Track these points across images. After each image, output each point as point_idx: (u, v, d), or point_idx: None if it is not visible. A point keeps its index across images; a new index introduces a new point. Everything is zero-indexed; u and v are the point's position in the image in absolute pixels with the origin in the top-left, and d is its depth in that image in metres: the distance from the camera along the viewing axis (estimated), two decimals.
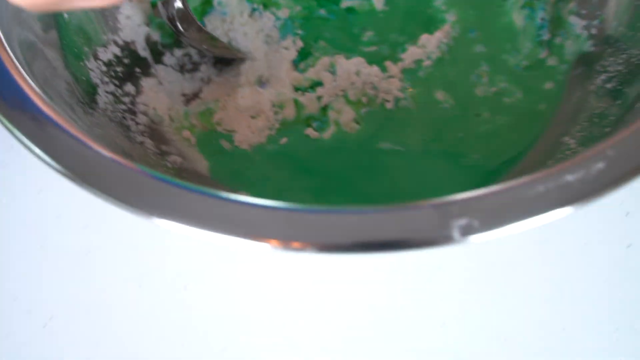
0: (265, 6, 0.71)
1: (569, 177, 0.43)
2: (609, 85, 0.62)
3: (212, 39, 0.68)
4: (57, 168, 0.45)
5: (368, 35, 0.71)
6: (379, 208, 0.43)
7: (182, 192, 0.44)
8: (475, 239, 0.42)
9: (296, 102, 0.66)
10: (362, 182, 0.62)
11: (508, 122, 0.64)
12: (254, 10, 0.71)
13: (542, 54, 0.67)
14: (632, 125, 0.45)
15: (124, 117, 0.61)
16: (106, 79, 0.62)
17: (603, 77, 0.63)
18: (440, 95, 0.66)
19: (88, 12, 0.63)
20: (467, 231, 0.42)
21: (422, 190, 0.61)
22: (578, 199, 0.42)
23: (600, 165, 0.43)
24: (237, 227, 0.43)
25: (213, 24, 0.70)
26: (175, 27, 0.66)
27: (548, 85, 0.66)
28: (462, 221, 0.42)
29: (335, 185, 0.62)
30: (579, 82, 0.65)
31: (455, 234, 0.42)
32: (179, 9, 0.65)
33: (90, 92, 0.59)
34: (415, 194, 0.60)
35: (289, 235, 0.43)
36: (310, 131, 0.64)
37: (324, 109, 0.66)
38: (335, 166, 0.63)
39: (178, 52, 0.69)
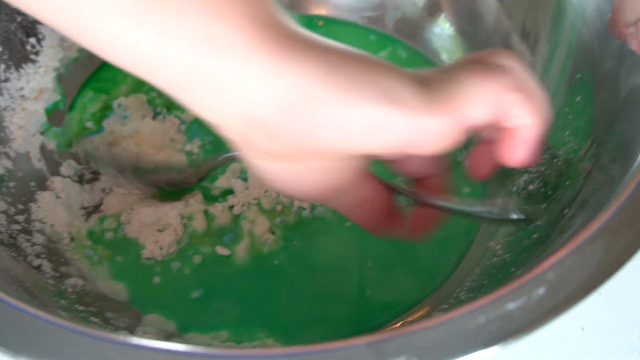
0: (169, 109, 0.68)
1: (510, 306, 0.40)
2: (531, 187, 0.60)
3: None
4: None
5: None
6: (306, 349, 0.40)
7: (71, 335, 0.39)
8: None
9: (206, 213, 0.61)
10: (282, 306, 0.58)
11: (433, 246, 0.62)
12: (157, 113, 0.67)
13: (460, 156, 0.65)
14: (569, 242, 0.43)
15: (17, 239, 0.56)
16: None
17: (525, 177, 0.61)
18: None
19: None
20: None
21: (349, 316, 0.58)
22: (520, 330, 0.39)
23: (541, 290, 0.40)
24: None
25: (112, 127, 0.66)
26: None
27: (465, 189, 0.64)
28: None
29: (254, 311, 0.58)
30: (499, 183, 0.63)
31: None
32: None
33: None
34: (340, 321, 0.57)
35: None
36: (220, 249, 0.60)
37: (236, 219, 0.62)
38: (253, 289, 0.59)
39: (74, 162, 0.64)
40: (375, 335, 0.39)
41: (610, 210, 0.44)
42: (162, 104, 0.68)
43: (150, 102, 0.68)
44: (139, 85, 0.69)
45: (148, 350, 0.39)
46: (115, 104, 0.67)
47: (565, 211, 0.52)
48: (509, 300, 0.40)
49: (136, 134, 0.66)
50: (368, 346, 0.39)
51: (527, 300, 0.40)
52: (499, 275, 0.55)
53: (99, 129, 0.66)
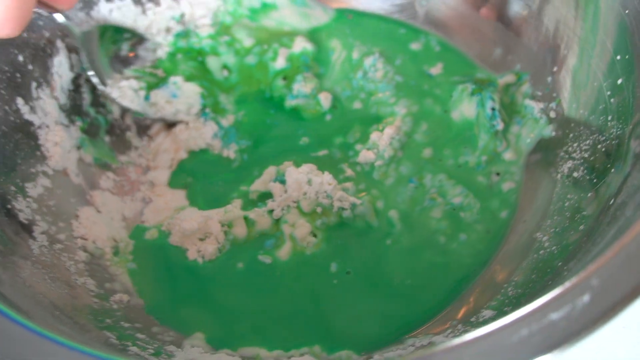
0: (215, 111, 0.67)
1: (554, 316, 0.39)
2: (576, 174, 0.58)
3: None
4: None
5: (316, 139, 0.67)
6: None
7: None
8: None
9: (246, 219, 0.61)
10: (326, 311, 0.58)
11: (467, 242, 0.61)
12: (204, 113, 0.67)
13: (500, 146, 0.63)
14: (615, 243, 0.41)
15: (61, 259, 0.56)
16: (38, 218, 0.57)
17: (569, 164, 0.59)
18: (394, 214, 0.62)
19: (16, 144, 0.59)
20: None
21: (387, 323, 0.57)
22: (564, 341, 0.38)
23: (585, 298, 0.39)
24: None
25: (157, 100, 0.67)
26: None
27: (507, 185, 0.62)
28: None
29: (300, 317, 0.57)
30: (542, 169, 0.62)
31: None
32: None
33: (20, 239, 0.54)
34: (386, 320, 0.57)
35: None
36: (262, 257, 0.60)
37: (277, 223, 0.61)
38: (298, 294, 0.59)
39: (112, 174, 0.65)
40: (421, 351, 0.39)
41: None
42: (210, 104, 0.67)
43: (201, 95, 0.68)
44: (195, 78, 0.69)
45: None
46: (171, 79, 0.67)
47: (611, 201, 0.51)
48: (552, 309, 0.39)
49: (173, 136, 0.66)
50: None
51: (571, 309, 0.39)
52: (546, 270, 0.53)
53: (146, 97, 0.66)
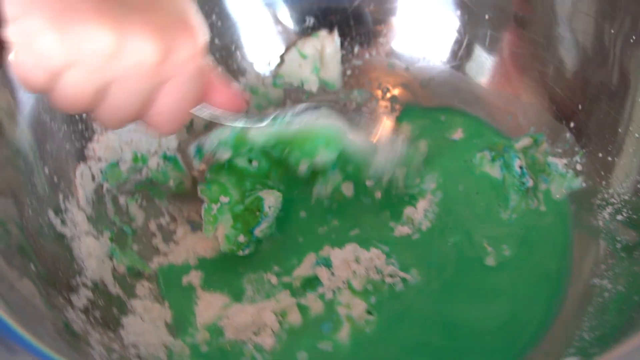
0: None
1: None
2: (619, 217, 0.59)
3: None
4: None
5: (345, 220, 0.66)
6: None
7: None
8: None
9: (299, 306, 0.59)
10: None
11: (526, 291, 0.61)
12: None
13: (532, 205, 0.64)
14: None
15: None
16: (89, 328, 0.54)
17: (609, 210, 0.60)
18: (447, 276, 0.62)
19: (54, 257, 0.56)
20: None
21: None
22: None
23: None
24: None
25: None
26: None
27: (549, 237, 0.63)
28: None
29: None
30: (580, 219, 0.63)
31: None
32: None
33: (83, 347, 0.51)
34: None
35: None
36: (322, 344, 0.58)
37: (330, 305, 0.59)
38: None
39: (147, 282, 0.62)
40: None
41: None
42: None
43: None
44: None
45: None
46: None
47: None
48: None
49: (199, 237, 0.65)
50: None
51: None
52: (621, 307, 0.54)
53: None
